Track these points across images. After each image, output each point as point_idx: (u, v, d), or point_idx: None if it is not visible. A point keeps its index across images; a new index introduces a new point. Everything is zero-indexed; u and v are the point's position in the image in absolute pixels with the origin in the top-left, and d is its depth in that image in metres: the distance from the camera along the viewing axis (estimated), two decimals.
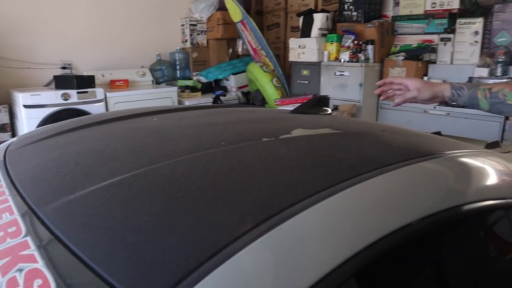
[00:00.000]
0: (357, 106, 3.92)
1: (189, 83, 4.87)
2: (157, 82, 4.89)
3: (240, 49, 5.31)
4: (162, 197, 0.69)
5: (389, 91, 1.47)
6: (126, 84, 4.49)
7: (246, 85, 5.03)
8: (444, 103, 3.58)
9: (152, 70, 4.89)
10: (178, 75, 5.06)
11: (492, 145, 2.02)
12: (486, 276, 0.87)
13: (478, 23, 3.58)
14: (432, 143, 1.17)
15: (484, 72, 3.53)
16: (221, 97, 4.67)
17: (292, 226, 0.62)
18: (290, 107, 4.04)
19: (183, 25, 5.20)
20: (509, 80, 1.26)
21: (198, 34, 5.21)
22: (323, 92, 4.18)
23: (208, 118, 1.30)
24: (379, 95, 1.51)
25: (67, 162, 0.93)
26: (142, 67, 4.86)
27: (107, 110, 4.05)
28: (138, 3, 4.82)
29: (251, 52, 4.92)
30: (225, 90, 4.99)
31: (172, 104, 4.39)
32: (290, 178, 0.77)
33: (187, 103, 4.54)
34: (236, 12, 4.67)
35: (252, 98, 4.86)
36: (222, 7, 5.07)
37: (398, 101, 1.41)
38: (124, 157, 0.90)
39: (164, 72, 4.96)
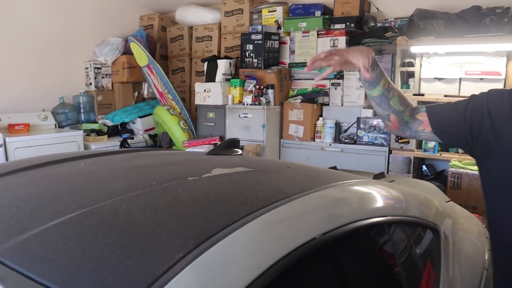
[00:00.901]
0: (261, 146, 4.20)
1: (94, 126, 4.83)
2: (60, 126, 4.78)
3: (146, 93, 5.40)
4: (112, 230, 0.82)
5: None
6: (26, 128, 4.34)
7: (153, 128, 5.11)
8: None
9: (54, 113, 4.78)
10: (83, 119, 5.00)
11: (378, 176, 2.36)
12: (374, 277, 1.10)
13: None
14: (329, 176, 1.41)
15: (369, 112, 4.03)
16: (128, 140, 4.69)
17: (220, 248, 0.77)
18: (198, 149, 4.22)
19: (87, 68, 5.18)
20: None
21: (102, 77, 5.22)
22: (228, 133, 4.41)
23: (133, 162, 1.42)
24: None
25: (7, 206, 0.99)
26: (43, 110, 4.72)
27: (6, 156, 3.88)
28: (38, 44, 4.71)
29: (157, 96, 5.04)
30: (131, 133, 5.02)
31: (78, 149, 4.33)
32: (217, 209, 0.93)
33: (93, 146, 4.50)
34: (142, 57, 4.79)
35: (159, 140, 4.94)
36: (127, 51, 5.15)
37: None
38: (65, 199, 1.00)
39: (67, 115, 4.87)
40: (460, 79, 3.66)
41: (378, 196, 1.42)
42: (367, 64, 1.28)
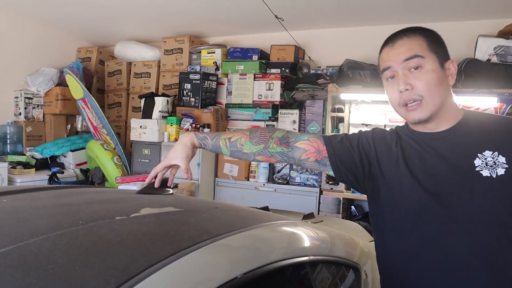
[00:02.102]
0: (195, 184, 4.21)
1: (21, 159, 4.61)
2: None
3: (79, 126, 5.28)
4: (32, 270, 0.81)
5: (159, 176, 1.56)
6: None
7: (85, 162, 4.97)
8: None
9: None
10: (9, 150, 4.76)
11: (308, 216, 2.45)
12: None
13: (295, 114, 4.28)
14: (256, 216, 1.46)
15: None
16: (58, 174, 4.52)
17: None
18: (132, 185, 4.15)
19: (17, 97, 4.99)
20: (247, 130, 1.49)
21: (34, 107, 5.04)
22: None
23: (60, 199, 1.40)
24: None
25: None
26: None
27: None
28: None
29: (92, 130, 4.94)
30: (62, 167, 4.84)
31: (1, 182, 4.10)
32: (142, 249, 0.95)
33: (18, 180, 4.29)
34: (77, 90, 4.71)
35: (91, 175, 4.80)
36: (62, 83, 5.04)
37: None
38: None
39: None
40: (385, 125, 3.93)
41: (302, 236, 1.50)
42: (183, 165, 1.47)
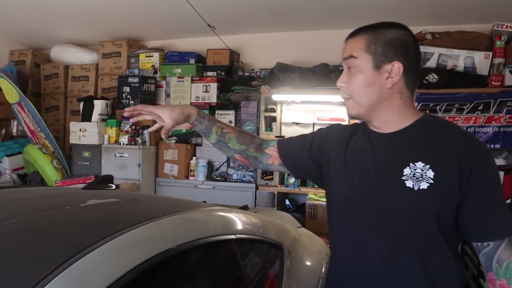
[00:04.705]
0: (136, 184, 4.35)
1: None
2: None
3: (15, 130, 5.21)
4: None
5: (140, 117, 1.51)
6: None
7: (23, 167, 4.93)
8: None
9: None
10: None
11: (242, 208, 2.69)
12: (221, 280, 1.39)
13: (231, 114, 4.52)
14: (191, 204, 1.69)
15: None
16: None
17: (87, 260, 0.98)
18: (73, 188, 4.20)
19: None
20: (238, 128, 1.57)
21: None
22: (104, 172, 4.48)
23: (12, 195, 1.55)
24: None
25: None
26: None
27: None
28: None
29: (28, 134, 4.91)
30: None
31: None
32: (93, 228, 1.15)
33: None
34: (12, 94, 4.67)
35: (29, 180, 4.78)
36: None
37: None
38: None
39: None
40: (314, 124, 4.27)
41: (230, 219, 1.73)
42: (168, 126, 1.44)
